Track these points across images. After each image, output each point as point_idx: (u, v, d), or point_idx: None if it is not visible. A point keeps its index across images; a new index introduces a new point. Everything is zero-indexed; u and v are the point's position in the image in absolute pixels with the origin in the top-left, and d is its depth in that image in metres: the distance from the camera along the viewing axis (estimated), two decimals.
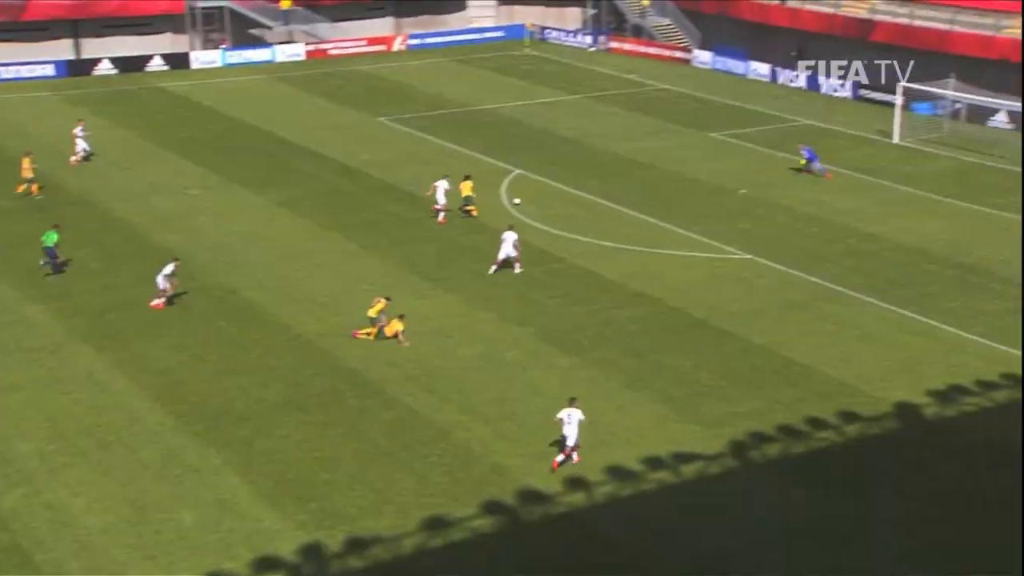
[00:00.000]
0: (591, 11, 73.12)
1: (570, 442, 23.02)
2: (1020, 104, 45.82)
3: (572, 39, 71.02)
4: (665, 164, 45.02)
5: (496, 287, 32.77)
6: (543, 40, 72.16)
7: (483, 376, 27.50)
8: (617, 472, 23.17)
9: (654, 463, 23.45)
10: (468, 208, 38.15)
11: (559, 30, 72.43)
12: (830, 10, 59.20)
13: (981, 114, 48.38)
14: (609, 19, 72.04)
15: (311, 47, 67.57)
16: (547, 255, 35.36)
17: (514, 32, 73.02)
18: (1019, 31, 50.58)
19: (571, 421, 23.06)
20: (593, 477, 23.05)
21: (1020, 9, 50.69)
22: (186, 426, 25.04)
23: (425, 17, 73.56)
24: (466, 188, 38.09)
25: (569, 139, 49.02)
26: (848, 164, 44.29)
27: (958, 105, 49.03)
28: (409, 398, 26.46)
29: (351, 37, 69.36)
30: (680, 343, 29.06)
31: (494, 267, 33.43)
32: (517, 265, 33.53)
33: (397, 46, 69.99)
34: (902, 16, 55.66)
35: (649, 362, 28.06)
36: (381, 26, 72.13)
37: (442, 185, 37.87)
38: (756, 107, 54.15)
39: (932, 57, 53.32)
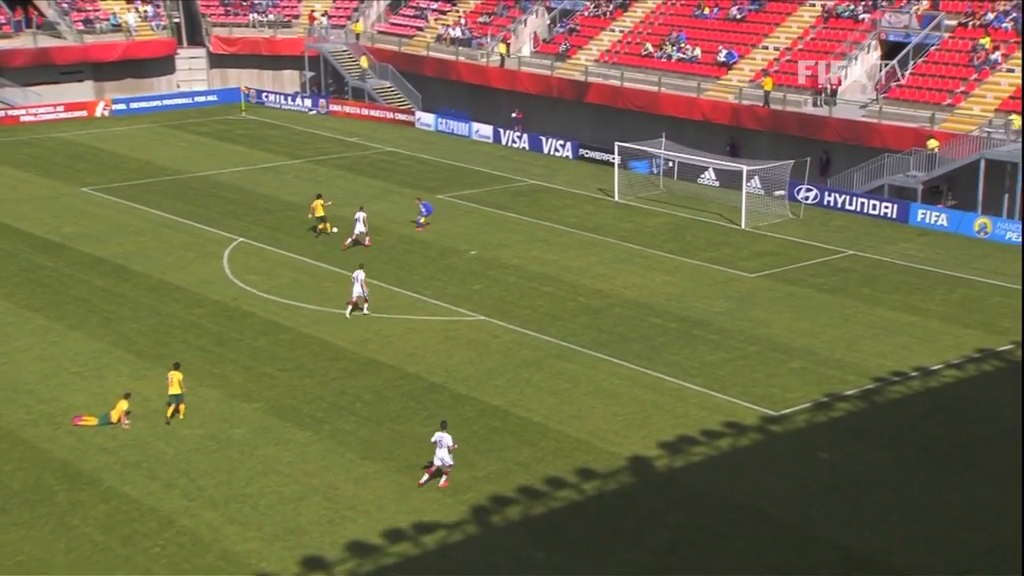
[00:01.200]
0: (309, 74, 73.32)
1: (447, 462, 25.06)
2: (724, 163, 49.78)
3: (291, 103, 70.84)
4: (394, 227, 45.52)
5: (222, 362, 31.84)
6: (260, 104, 71.53)
7: (210, 457, 26.59)
8: (357, 548, 22.91)
9: (395, 535, 23.38)
10: (322, 227, 42.17)
11: (276, 93, 72.10)
12: (546, 72, 62.33)
13: (691, 172, 52.21)
14: (329, 82, 72.51)
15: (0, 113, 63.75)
16: (275, 326, 34.79)
17: (228, 96, 72.04)
18: (716, 94, 55.16)
19: (442, 444, 25.14)
20: (332, 555, 22.67)
21: (720, 73, 55.32)
22: None
23: (129, 81, 71.34)
24: (319, 208, 42.48)
25: (293, 204, 48.65)
26: (573, 223, 46.44)
27: (670, 163, 52.68)
28: (128, 487, 25.12)
29: (46, 103, 66.03)
30: (418, 409, 29.24)
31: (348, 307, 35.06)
32: (366, 307, 34.95)
33: (100, 112, 67.29)
34: (613, 79, 59.40)
35: (387, 431, 28.05)
36: (80, 91, 69.23)
37: (361, 217, 42.15)
38: (481, 168, 55.91)
39: (642, 118, 57.21)
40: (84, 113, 66.94)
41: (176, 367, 29.02)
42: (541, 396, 30.10)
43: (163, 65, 72.71)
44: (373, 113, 67.47)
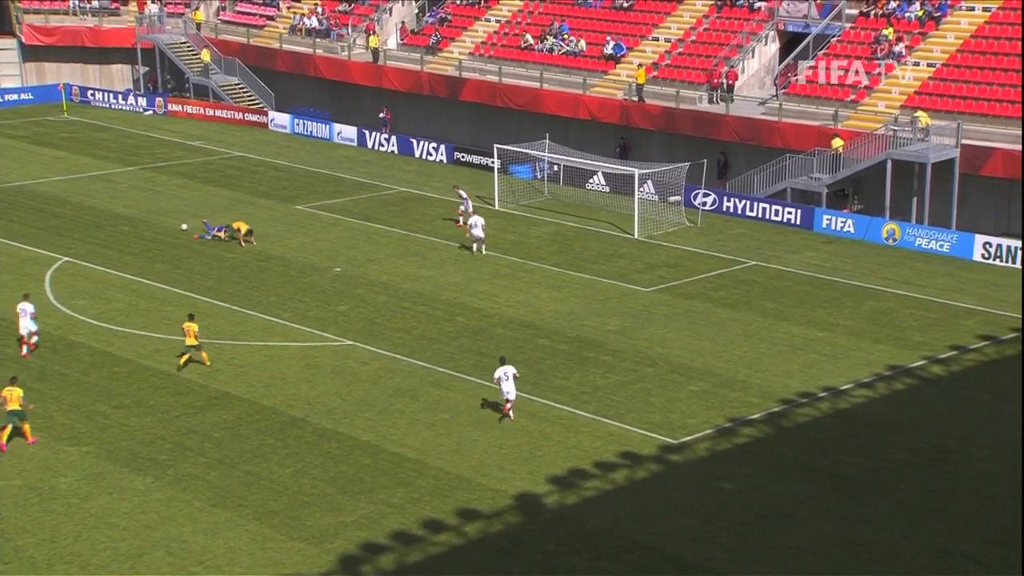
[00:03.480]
0: (142, 69, 71.91)
1: (511, 397, 29.82)
2: (614, 167, 50.63)
3: (122, 102, 69.45)
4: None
5: (44, 401, 30.90)
6: (85, 103, 69.87)
7: (30, 512, 25.77)
8: None
9: None
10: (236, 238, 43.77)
11: (104, 91, 70.55)
12: (415, 67, 62.44)
13: (579, 176, 52.91)
14: (167, 78, 71.26)
15: None
16: (107, 357, 33.96)
17: (47, 94, 70.22)
18: (604, 90, 56.10)
19: (507, 377, 29.71)
20: None
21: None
22: None
23: None
24: (244, 226, 43.82)
25: (128, 217, 47.61)
26: (449, 235, 46.49)
27: (555, 167, 53.29)
28: None
29: None
30: (276, 448, 28.89)
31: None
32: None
33: None
34: (491, 74, 59.86)
35: (241, 473, 27.62)
36: None
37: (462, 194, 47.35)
38: (345, 175, 55.64)
39: (524, 117, 57.76)
40: None
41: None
42: (416, 429, 30.05)
43: None
44: (219, 113, 66.59)
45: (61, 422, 29.92)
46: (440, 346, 35.39)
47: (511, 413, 30.28)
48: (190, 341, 33.12)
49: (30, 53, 71.81)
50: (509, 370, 30.05)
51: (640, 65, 55.86)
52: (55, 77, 71.63)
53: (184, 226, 45.95)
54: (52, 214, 48.07)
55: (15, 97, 69.89)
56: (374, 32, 65.41)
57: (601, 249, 45.34)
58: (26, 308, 34.28)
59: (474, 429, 30.08)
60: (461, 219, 47.38)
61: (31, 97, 70.16)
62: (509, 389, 29.96)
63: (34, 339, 34.39)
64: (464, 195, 47.89)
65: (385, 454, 28.66)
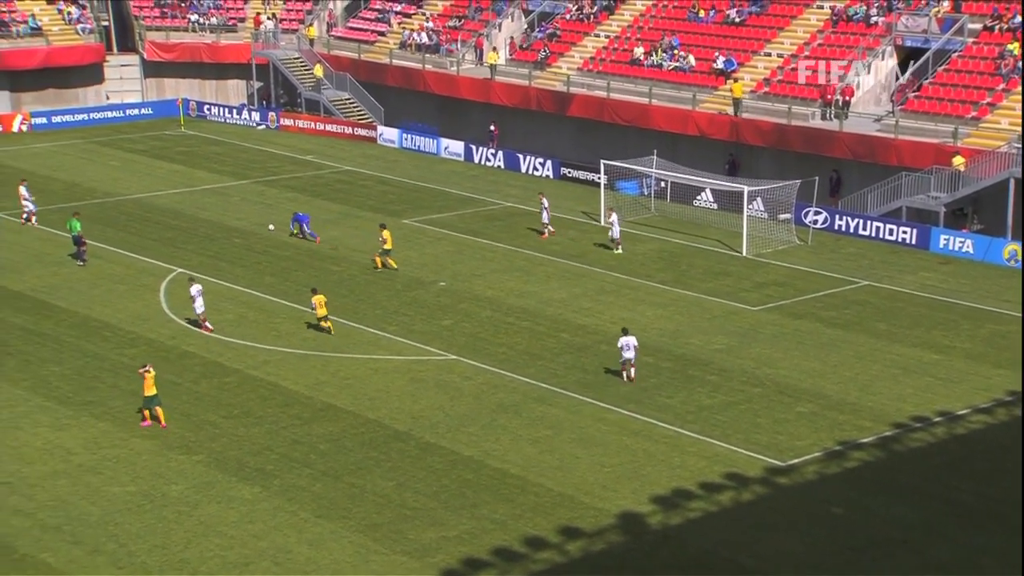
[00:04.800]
0: (256, 84, 73.56)
1: (631, 359, 33.34)
2: (722, 183, 50.22)
3: (236, 116, 71.00)
4: (353, 255, 45.57)
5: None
6: (201, 118, 71.64)
7: (143, 518, 26.41)
8: None
9: None
10: (385, 260, 43.51)
11: (220, 106, 72.25)
12: (523, 82, 62.74)
13: (686, 193, 52.57)
14: (280, 93, 72.75)
15: None
16: (218, 367, 34.70)
17: (165, 109, 72.18)
18: (713, 106, 55.72)
19: (629, 347, 33.13)
20: None
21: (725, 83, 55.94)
22: None
23: (51, 92, 71.20)
24: (389, 240, 43.53)
25: (239, 230, 48.65)
26: (555, 250, 46.58)
27: (662, 183, 53.04)
28: (47, 554, 24.89)
29: None
30: (380, 460, 29.19)
31: None
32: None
33: (17, 127, 67.26)
34: (599, 89, 59.86)
35: (345, 485, 27.96)
36: None
37: (544, 203, 47.96)
38: (452, 189, 56.09)
39: (631, 132, 57.60)
40: None
41: (314, 292, 36.92)
42: (519, 445, 30.10)
43: (90, 74, 72.67)
44: (329, 128, 67.71)
45: (173, 430, 30.65)
46: (544, 362, 35.43)
47: (632, 373, 33.57)
48: (321, 312, 36.52)
49: (151, 69, 73.91)
50: (631, 341, 33.30)
51: (737, 80, 55.38)
52: (174, 92, 73.58)
53: (271, 227, 47.56)
54: (168, 226, 49.34)
55: (136, 112, 71.95)
56: (493, 48, 65.30)
57: (708, 267, 44.98)
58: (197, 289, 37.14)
59: (577, 446, 30.03)
60: (545, 231, 47.91)
61: (150, 112, 72.13)
62: (630, 356, 33.34)
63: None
64: (546, 204, 48.31)
65: (487, 470, 28.76)
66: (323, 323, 37.26)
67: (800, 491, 27.92)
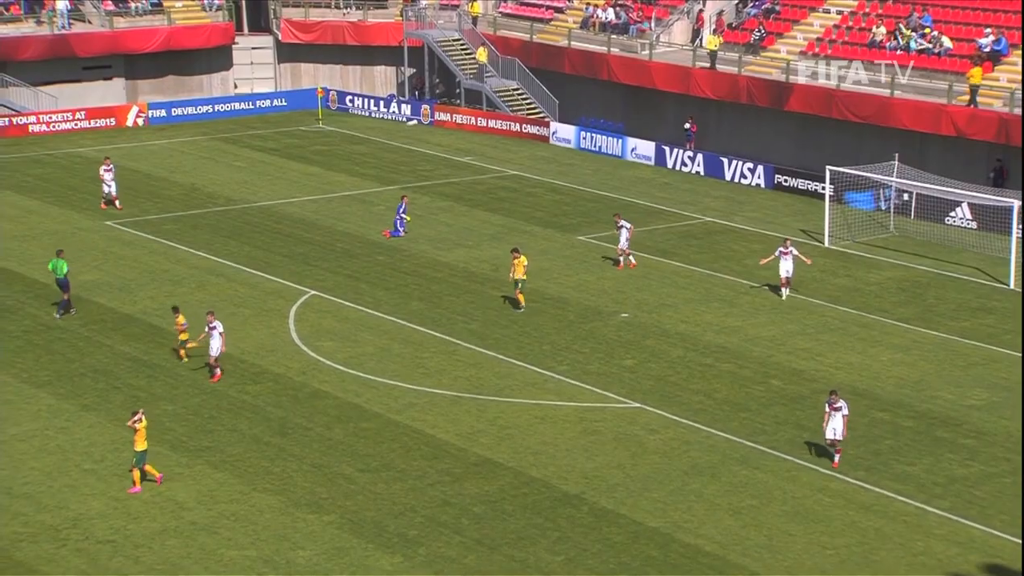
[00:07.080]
0: (408, 71, 74.82)
1: (839, 436, 31.85)
2: (985, 197, 48.89)
3: (384, 109, 72.43)
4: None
5: (283, 459, 32.34)
6: (343, 111, 73.27)
7: None
8: None
9: None
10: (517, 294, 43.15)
11: (365, 96, 73.77)
12: (732, 70, 62.29)
13: (937, 208, 51.32)
14: (435, 81, 73.88)
15: (2, 122, 66.67)
16: (355, 409, 35.23)
17: (301, 100, 74.07)
18: (978, 99, 54.31)
19: (844, 411, 31.75)
20: None
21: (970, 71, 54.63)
22: None
23: (171, 79, 73.69)
24: (519, 268, 42.39)
25: (384, 246, 49.47)
26: (764, 276, 46.05)
27: (906, 196, 51.91)
28: None
29: (63, 108, 68.73)
30: (546, 529, 29.19)
31: None
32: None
33: (132, 120, 69.86)
34: (826, 78, 58.97)
35: (503, 558, 28.04)
36: (107, 92, 71.78)
37: (625, 226, 46.61)
38: (638, 200, 55.99)
39: (867, 132, 56.57)
40: (111, 121, 69.58)
41: (515, 251, 42.14)
42: (717, 516, 29.77)
43: (216, 59, 75.18)
44: (493, 124, 68.49)
45: (301, 484, 31.19)
46: (749, 414, 35.00)
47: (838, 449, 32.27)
48: (519, 275, 41.33)
49: (286, 53, 76.02)
50: (844, 407, 31.88)
51: (977, 63, 53.96)
52: (311, 80, 75.49)
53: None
54: (300, 239, 50.49)
55: (267, 104, 73.76)
56: (713, 31, 63.81)
57: (963, 301, 43.89)
58: (216, 326, 36.75)
59: (790, 521, 29.54)
60: (622, 259, 46.74)
61: (284, 103, 74.00)
62: (836, 427, 31.75)
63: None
64: (626, 225, 46.68)
65: (677, 545, 28.50)
66: (518, 292, 41.74)
67: None
